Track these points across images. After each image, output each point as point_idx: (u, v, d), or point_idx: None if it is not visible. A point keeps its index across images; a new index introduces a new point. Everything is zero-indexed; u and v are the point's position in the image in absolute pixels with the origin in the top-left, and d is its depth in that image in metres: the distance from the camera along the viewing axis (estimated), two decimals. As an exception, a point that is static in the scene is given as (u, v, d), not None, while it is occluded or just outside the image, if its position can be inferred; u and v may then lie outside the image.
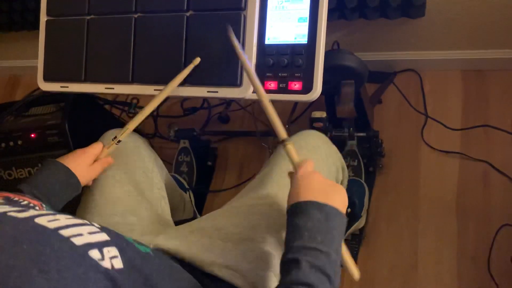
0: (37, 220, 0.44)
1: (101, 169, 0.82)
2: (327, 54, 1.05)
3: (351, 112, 1.02)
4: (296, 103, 1.30)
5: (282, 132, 0.68)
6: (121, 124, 1.47)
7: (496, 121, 1.28)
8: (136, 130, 1.48)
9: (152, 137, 1.45)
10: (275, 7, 0.77)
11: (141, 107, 1.40)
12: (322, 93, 1.32)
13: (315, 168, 0.80)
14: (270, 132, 1.29)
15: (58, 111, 1.28)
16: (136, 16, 0.84)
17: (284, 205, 0.63)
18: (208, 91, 0.79)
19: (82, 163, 0.78)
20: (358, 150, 1.27)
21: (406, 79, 1.39)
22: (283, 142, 0.67)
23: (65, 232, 0.44)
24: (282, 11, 0.77)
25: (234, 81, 0.77)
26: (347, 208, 1.11)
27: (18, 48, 1.68)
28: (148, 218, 0.82)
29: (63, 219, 0.47)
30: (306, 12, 0.75)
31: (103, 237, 0.48)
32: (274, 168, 0.81)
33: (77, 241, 0.44)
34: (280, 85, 0.77)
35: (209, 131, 1.40)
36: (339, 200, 0.60)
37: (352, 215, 1.15)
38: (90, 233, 0.47)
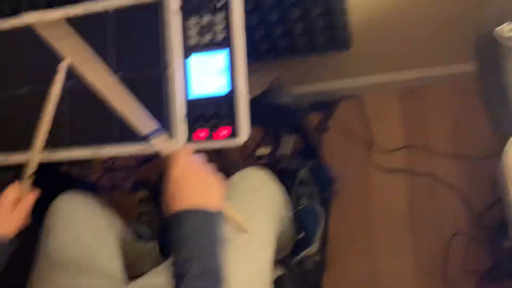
0: None
1: (27, 207, 0.80)
2: (264, 94, 1.12)
3: (288, 158, 1.07)
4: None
5: (142, 127, 0.67)
6: (80, 183, 1.49)
7: (435, 134, 1.35)
8: (94, 185, 1.51)
9: (110, 190, 1.47)
10: (196, 62, 0.82)
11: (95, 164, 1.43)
12: (267, 129, 1.39)
13: (257, 210, 0.84)
14: (222, 172, 1.33)
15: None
16: (68, 83, 0.88)
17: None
18: (142, 147, 0.83)
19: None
20: (310, 178, 1.31)
21: (349, 105, 1.46)
22: (147, 138, 0.66)
23: None
24: (204, 66, 0.82)
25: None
26: (300, 233, 1.15)
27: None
28: (100, 279, 0.84)
29: None
30: (224, 65, 0.81)
31: None
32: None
33: None
34: (209, 134, 0.81)
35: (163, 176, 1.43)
36: (217, 194, 0.62)
37: (304, 240, 1.18)
38: None
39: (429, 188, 1.30)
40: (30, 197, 0.82)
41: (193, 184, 0.62)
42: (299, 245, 1.15)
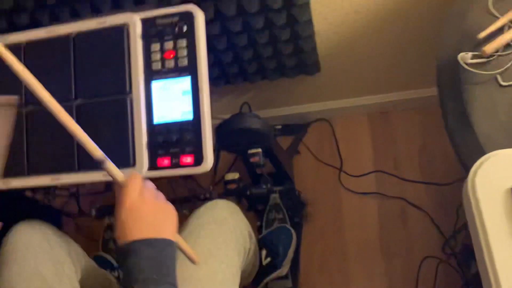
0: None
1: None
2: (231, 118, 1.11)
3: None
4: (216, 166, 1.34)
5: (95, 151, 0.63)
6: (46, 209, 1.44)
7: (404, 158, 1.36)
8: (59, 211, 1.46)
9: (76, 216, 1.42)
10: (159, 88, 0.81)
11: (62, 188, 1.38)
12: (236, 153, 1.37)
13: (223, 241, 0.82)
14: (191, 198, 1.31)
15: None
16: (26, 110, 0.85)
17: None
18: (104, 175, 0.80)
19: None
20: (282, 202, 1.30)
21: (319, 128, 1.47)
22: (100, 164, 0.63)
23: None
24: (167, 92, 0.80)
25: (127, 162, 0.79)
26: (267, 257, 1.13)
27: None
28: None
29: None
30: (188, 91, 0.79)
31: None
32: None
33: None
34: (173, 161, 0.79)
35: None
36: (170, 225, 0.61)
37: (273, 264, 1.16)
38: None
39: (400, 212, 1.30)
40: None
41: (146, 214, 0.60)
42: (265, 270, 1.13)
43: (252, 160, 1.15)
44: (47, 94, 0.64)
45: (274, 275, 1.15)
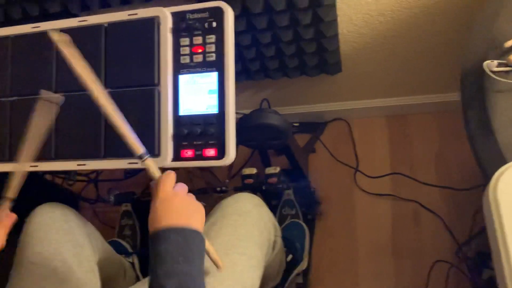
0: None
1: (4, 232, 0.76)
2: (252, 113, 1.12)
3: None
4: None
5: (137, 147, 0.68)
6: (63, 193, 1.47)
7: (420, 162, 1.37)
8: (78, 196, 1.50)
9: (94, 202, 1.46)
10: (186, 81, 0.83)
11: (82, 174, 1.42)
12: (254, 148, 1.39)
13: (245, 233, 0.84)
14: (208, 189, 1.33)
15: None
16: (57, 96, 0.87)
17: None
18: (128, 163, 0.83)
19: None
20: (295, 198, 1.32)
21: (336, 127, 1.48)
22: (140, 158, 0.68)
23: None
24: (194, 85, 0.82)
25: (152, 152, 0.81)
26: (289, 255, 1.15)
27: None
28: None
29: None
30: (214, 85, 0.81)
31: None
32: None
33: None
34: (196, 153, 0.81)
35: (149, 192, 1.42)
36: (198, 219, 0.64)
37: (294, 260, 1.18)
38: None
39: (413, 215, 1.31)
40: (9, 221, 0.77)
41: (177, 205, 0.64)
42: (288, 267, 1.15)
43: (269, 181, 1.17)
44: (97, 86, 0.66)
45: (297, 270, 1.17)
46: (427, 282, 1.21)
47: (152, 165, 0.69)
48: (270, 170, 1.19)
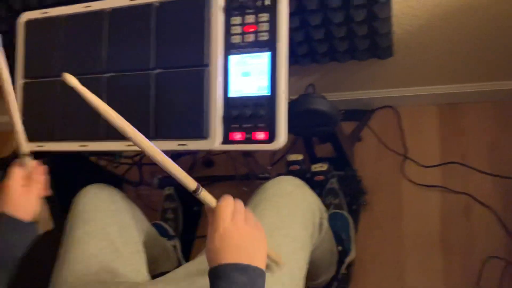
0: None
1: (39, 186, 0.78)
2: (300, 98, 1.09)
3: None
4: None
5: (190, 183, 0.65)
6: (107, 175, 1.50)
7: (473, 152, 1.30)
8: (122, 178, 1.51)
9: (137, 185, 1.47)
10: (237, 62, 0.80)
11: (126, 157, 1.43)
12: (299, 135, 1.36)
13: (288, 214, 0.81)
14: (250, 175, 1.31)
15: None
16: (107, 76, 0.87)
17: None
18: (178, 144, 0.82)
19: (12, 198, 0.74)
20: (340, 188, 1.28)
21: (384, 115, 1.42)
22: (195, 192, 0.64)
23: None
24: (244, 66, 0.80)
25: (201, 134, 0.80)
26: (338, 246, 1.13)
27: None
28: (123, 275, 0.83)
29: None
30: (266, 66, 0.78)
31: None
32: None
33: None
34: (246, 136, 0.79)
35: (192, 177, 1.41)
36: (261, 255, 0.61)
37: (343, 251, 1.16)
38: None
39: (464, 208, 1.24)
40: (39, 173, 0.79)
41: (238, 240, 0.61)
42: (339, 259, 1.13)
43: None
44: (134, 132, 0.64)
45: (348, 259, 1.15)
46: (478, 280, 1.15)
47: (207, 196, 0.65)
48: (316, 167, 1.16)
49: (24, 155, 0.78)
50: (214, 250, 0.60)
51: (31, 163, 0.79)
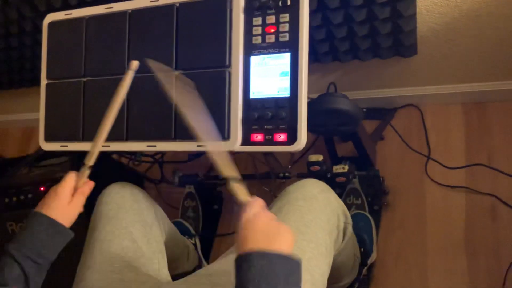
0: None
1: (83, 199, 0.81)
2: (321, 98, 1.08)
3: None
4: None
5: (232, 173, 0.68)
6: (129, 173, 1.51)
7: (500, 153, 1.26)
8: (143, 176, 1.53)
9: (158, 183, 1.48)
10: (258, 63, 0.80)
11: (146, 155, 1.44)
12: (320, 134, 1.34)
13: (312, 219, 0.81)
14: (271, 174, 1.30)
15: (67, 162, 1.32)
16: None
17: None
18: (198, 145, 0.82)
19: (59, 205, 0.77)
20: (361, 188, 1.26)
21: (407, 114, 1.39)
22: (233, 182, 0.68)
23: None
24: (265, 67, 0.79)
25: (221, 136, 0.79)
26: (360, 248, 1.11)
27: (31, 101, 1.76)
28: (145, 274, 0.83)
29: None
30: (287, 67, 0.78)
31: None
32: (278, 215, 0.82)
33: None
34: (266, 137, 0.78)
35: (213, 175, 1.42)
36: (284, 241, 0.61)
37: (365, 253, 1.14)
38: None
39: (490, 210, 1.21)
40: (87, 188, 0.82)
41: (261, 227, 0.62)
42: (361, 260, 1.12)
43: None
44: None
45: (369, 261, 1.13)
46: (503, 284, 1.12)
47: (240, 189, 0.68)
48: (338, 169, 1.14)
49: (87, 166, 0.80)
50: (240, 239, 0.62)
51: (86, 173, 0.81)
